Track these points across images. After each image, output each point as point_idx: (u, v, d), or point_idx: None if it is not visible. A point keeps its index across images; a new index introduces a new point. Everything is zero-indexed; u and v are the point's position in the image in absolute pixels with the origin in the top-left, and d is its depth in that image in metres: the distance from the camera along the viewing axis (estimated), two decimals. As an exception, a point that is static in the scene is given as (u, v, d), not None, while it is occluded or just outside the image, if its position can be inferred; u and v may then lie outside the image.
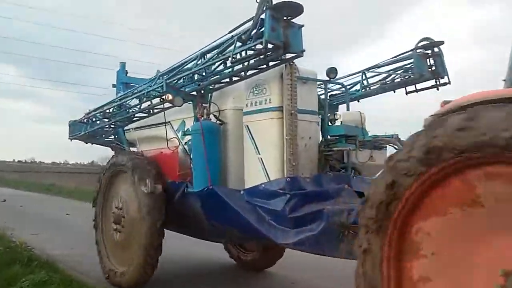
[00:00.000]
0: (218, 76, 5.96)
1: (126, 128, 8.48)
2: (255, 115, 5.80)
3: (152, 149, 7.58)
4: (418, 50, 6.32)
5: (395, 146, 5.26)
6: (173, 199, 6.73)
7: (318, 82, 6.08)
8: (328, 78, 6.01)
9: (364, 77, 6.74)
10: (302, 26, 4.96)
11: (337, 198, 5.59)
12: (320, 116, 6.07)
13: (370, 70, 6.75)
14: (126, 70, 9.17)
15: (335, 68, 5.88)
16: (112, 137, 9.16)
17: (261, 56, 5.10)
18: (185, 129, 6.98)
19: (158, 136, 7.67)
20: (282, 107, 5.54)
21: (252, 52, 5.12)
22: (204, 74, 5.89)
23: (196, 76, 6.04)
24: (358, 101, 6.92)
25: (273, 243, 5.56)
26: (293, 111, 5.51)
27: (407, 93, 6.61)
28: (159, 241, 6.62)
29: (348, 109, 6.17)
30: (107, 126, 8.35)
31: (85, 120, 8.65)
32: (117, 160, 7.41)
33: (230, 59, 5.23)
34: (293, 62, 5.48)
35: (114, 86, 9.19)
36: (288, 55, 5.16)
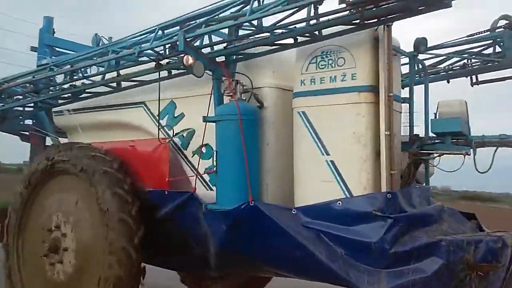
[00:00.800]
0: (266, 36, 3.91)
1: (55, 109, 5.89)
2: (322, 98, 3.89)
3: (107, 141, 5.16)
4: (497, 31, 4.93)
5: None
6: (156, 215, 4.52)
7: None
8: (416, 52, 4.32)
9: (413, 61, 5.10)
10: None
11: (440, 222, 3.94)
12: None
13: (425, 53, 5.17)
14: (53, 29, 6.52)
15: (425, 39, 4.21)
16: (26, 121, 6.47)
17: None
18: (176, 114, 4.78)
19: (119, 123, 5.30)
20: (376, 87, 3.73)
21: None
22: (259, 27, 3.78)
23: (238, 32, 3.92)
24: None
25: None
26: (391, 94, 3.73)
27: (473, 84, 5.18)
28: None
29: (427, 96, 4.50)
30: (30, 105, 5.69)
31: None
32: (55, 156, 4.90)
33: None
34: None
35: (33, 49, 6.50)
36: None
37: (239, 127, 3.87)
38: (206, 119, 4.05)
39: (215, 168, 4.02)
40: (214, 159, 4.00)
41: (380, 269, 3.57)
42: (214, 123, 4.10)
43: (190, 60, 3.85)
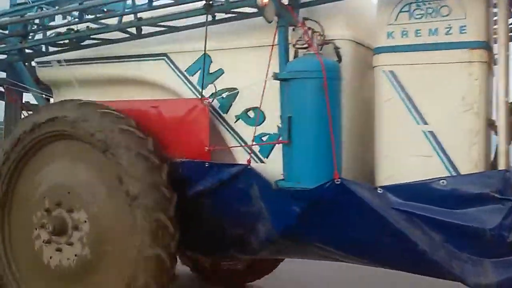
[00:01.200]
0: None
1: (38, 60, 4.81)
2: (418, 54, 3.20)
3: (117, 100, 4.21)
4: None
5: None
6: (188, 192, 3.72)
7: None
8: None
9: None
10: None
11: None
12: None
13: None
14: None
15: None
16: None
17: None
18: (212, 70, 3.92)
19: (131, 78, 4.35)
20: (488, 43, 3.10)
21: None
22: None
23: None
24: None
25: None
26: (508, 52, 3.13)
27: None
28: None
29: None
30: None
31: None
32: (50, 116, 3.92)
33: None
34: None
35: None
36: None
37: (321, 87, 3.12)
38: (278, 76, 3.25)
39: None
40: (286, 126, 3.24)
41: (486, 258, 3.05)
42: (279, 82, 3.33)
43: (265, 0, 3.03)
